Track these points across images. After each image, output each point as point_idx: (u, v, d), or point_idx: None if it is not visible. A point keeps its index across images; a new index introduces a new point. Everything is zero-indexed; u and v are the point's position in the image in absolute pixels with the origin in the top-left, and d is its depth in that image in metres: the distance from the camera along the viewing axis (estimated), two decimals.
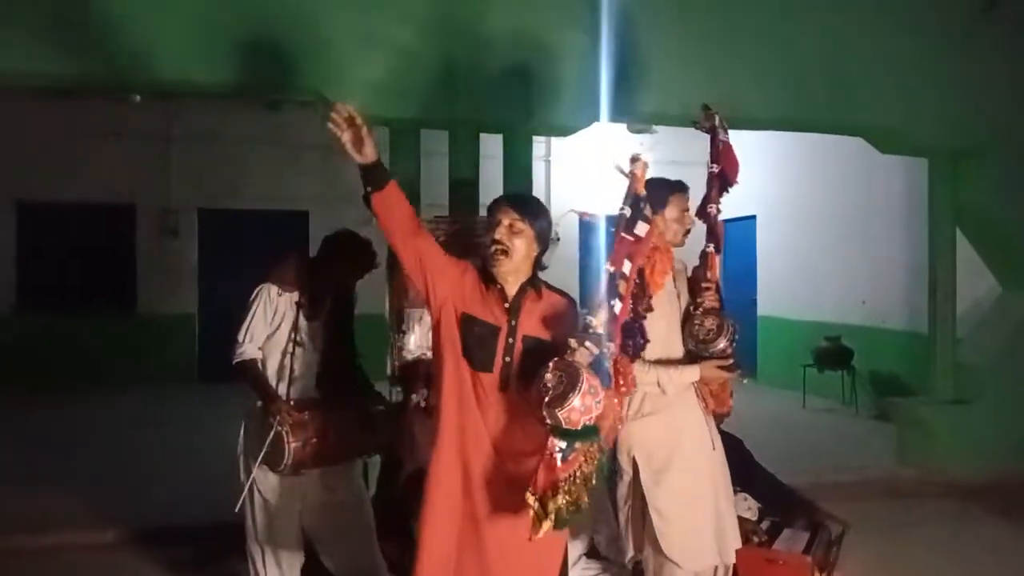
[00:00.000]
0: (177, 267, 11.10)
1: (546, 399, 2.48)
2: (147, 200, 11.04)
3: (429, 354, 4.50)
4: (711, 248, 3.39)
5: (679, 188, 3.47)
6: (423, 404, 4.38)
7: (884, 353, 9.22)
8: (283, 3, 5.07)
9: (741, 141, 12.80)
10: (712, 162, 3.47)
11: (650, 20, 5.70)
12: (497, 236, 2.75)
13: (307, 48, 5.09)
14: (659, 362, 3.26)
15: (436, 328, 2.83)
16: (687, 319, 3.34)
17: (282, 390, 3.69)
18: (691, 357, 3.30)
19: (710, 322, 3.27)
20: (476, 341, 2.74)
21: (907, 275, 8.73)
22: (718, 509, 3.30)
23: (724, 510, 3.32)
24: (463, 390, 2.76)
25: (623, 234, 2.86)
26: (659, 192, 3.31)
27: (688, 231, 3.42)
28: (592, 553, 4.26)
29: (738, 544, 3.39)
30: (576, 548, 4.08)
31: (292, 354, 3.71)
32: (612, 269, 2.80)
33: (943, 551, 5.01)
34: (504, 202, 2.83)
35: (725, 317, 3.28)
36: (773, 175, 10.88)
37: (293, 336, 3.71)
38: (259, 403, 3.68)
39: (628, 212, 2.89)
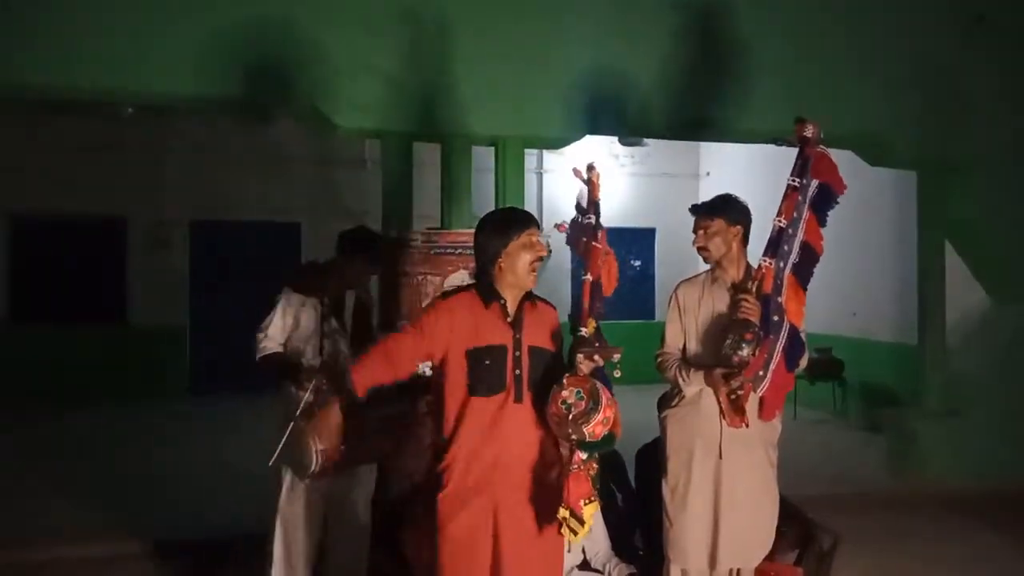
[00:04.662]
0: (168, 279, 11.05)
1: (570, 416, 2.57)
2: (139, 212, 11.00)
3: (420, 367, 4.54)
4: (764, 260, 3.36)
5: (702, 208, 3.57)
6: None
7: (875, 365, 9.26)
8: (275, 18, 5.08)
9: (733, 153, 12.84)
10: (795, 175, 3.37)
11: (640, 34, 5.75)
12: (543, 254, 2.82)
13: (300, 62, 5.11)
14: (691, 363, 3.45)
15: (439, 372, 2.86)
16: (727, 326, 3.37)
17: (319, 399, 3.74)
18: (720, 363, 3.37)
19: (732, 332, 3.29)
20: (485, 371, 2.77)
21: (897, 287, 8.76)
22: (717, 516, 3.39)
23: (730, 518, 3.39)
24: (470, 423, 2.78)
25: (594, 243, 2.95)
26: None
27: (730, 247, 3.48)
28: (584, 566, 4.26)
29: (751, 555, 3.48)
30: (569, 560, 4.08)
31: (321, 356, 3.79)
32: (592, 278, 2.90)
33: (935, 562, 5.01)
34: (534, 220, 2.87)
35: (748, 331, 3.26)
36: (763, 187, 10.91)
37: (321, 340, 3.79)
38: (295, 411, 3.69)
39: (592, 220, 2.97)
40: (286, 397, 3.78)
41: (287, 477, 3.77)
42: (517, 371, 2.78)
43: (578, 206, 3.23)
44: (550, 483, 2.78)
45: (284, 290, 3.85)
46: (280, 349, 3.81)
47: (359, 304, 4.00)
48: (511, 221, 2.85)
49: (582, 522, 2.62)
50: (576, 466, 2.65)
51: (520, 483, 2.77)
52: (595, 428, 2.56)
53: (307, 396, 3.58)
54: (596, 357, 2.70)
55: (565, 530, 2.65)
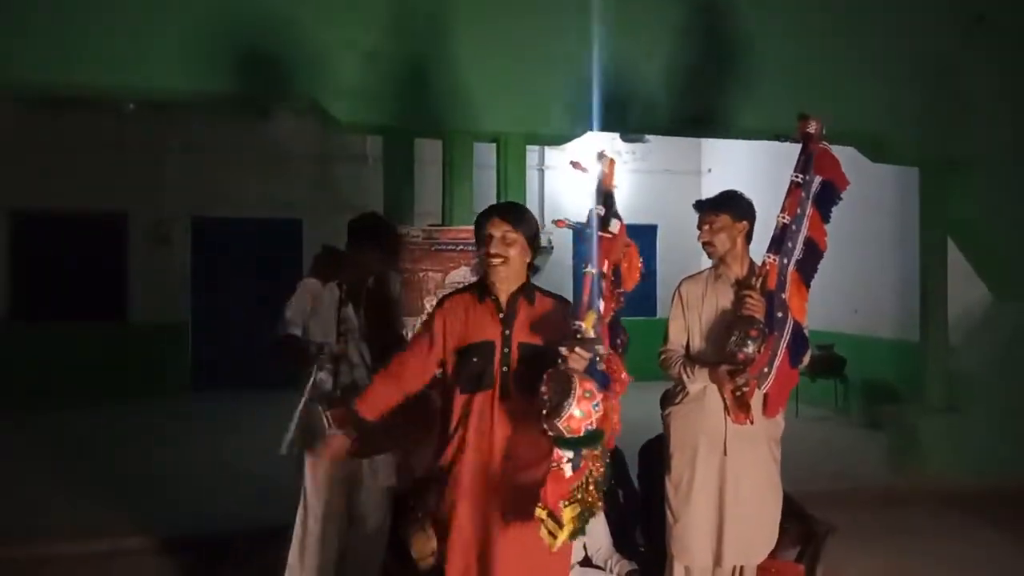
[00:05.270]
0: (169, 276, 11.05)
1: (544, 411, 2.49)
2: (139, 209, 10.99)
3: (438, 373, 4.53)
4: (768, 257, 3.36)
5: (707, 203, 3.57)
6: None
7: (876, 362, 9.24)
8: (277, 13, 5.08)
9: (735, 150, 12.81)
10: (798, 171, 3.38)
11: (643, 31, 5.74)
12: (493, 251, 2.79)
13: (301, 57, 5.11)
14: (695, 359, 3.44)
15: (443, 371, 2.93)
16: (731, 323, 3.36)
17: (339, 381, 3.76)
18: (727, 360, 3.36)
19: (737, 329, 3.29)
20: (473, 367, 2.79)
21: (899, 284, 8.75)
22: (723, 513, 3.39)
23: (735, 515, 3.39)
24: (463, 412, 2.81)
25: (601, 233, 2.89)
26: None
27: (735, 243, 3.48)
28: (585, 562, 4.25)
29: (755, 551, 3.49)
30: (570, 556, 4.07)
31: (340, 344, 3.77)
32: (594, 271, 2.82)
33: (935, 559, 5.01)
34: (494, 214, 2.87)
35: (753, 328, 3.25)
36: (765, 184, 10.91)
37: (340, 327, 3.78)
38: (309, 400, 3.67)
39: (602, 211, 2.91)
40: (301, 380, 3.79)
41: (308, 463, 3.76)
42: (504, 367, 2.78)
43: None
44: (535, 483, 2.68)
45: (305, 279, 3.87)
46: (298, 333, 3.81)
47: (373, 291, 3.96)
48: (481, 214, 2.90)
49: (561, 524, 2.52)
50: (555, 464, 2.54)
51: (508, 480, 2.76)
52: (569, 423, 2.45)
53: (317, 376, 3.58)
54: (577, 350, 2.58)
55: (543, 532, 2.54)
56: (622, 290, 3.06)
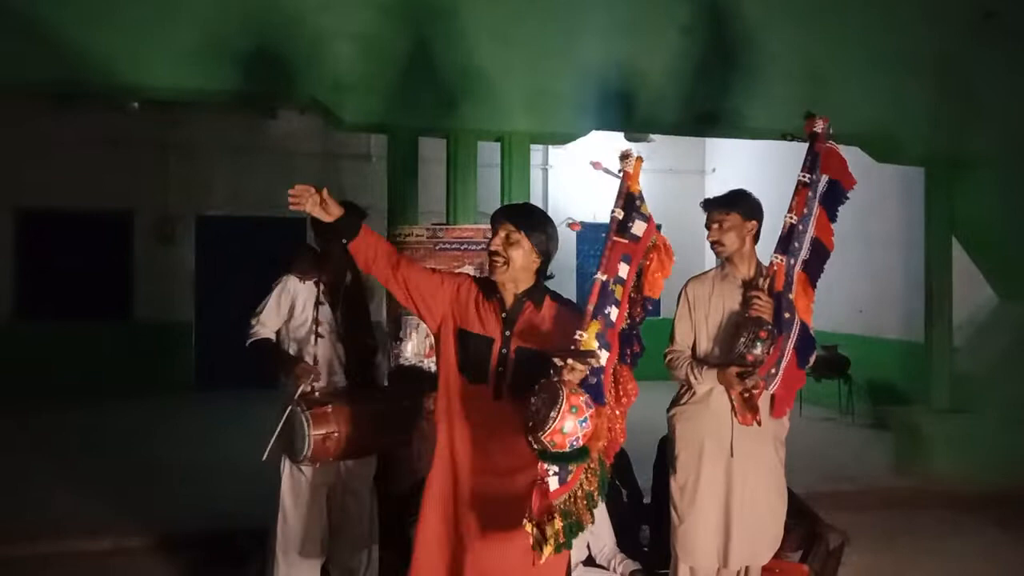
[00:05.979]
0: (174, 274, 11.07)
1: (529, 424, 2.40)
2: (144, 207, 11.01)
3: (426, 362, 4.53)
4: (776, 257, 3.34)
5: (717, 202, 3.55)
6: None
7: (881, 362, 9.23)
8: (281, 12, 5.08)
9: (739, 149, 12.79)
10: (805, 171, 3.37)
11: (648, 29, 5.73)
12: (493, 247, 2.76)
13: (306, 57, 5.11)
14: (702, 360, 3.43)
15: (436, 343, 2.89)
16: (739, 324, 3.35)
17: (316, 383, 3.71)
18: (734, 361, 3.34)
19: (746, 330, 3.28)
20: (471, 355, 2.76)
21: (904, 284, 8.73)
22: (729, 514, 3.39)
23: (742, 516, 3.39)
24: (453, 403, 2.79)
25: (615, 238, 2.77)
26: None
27: (744, 242, 3.47)
28: (589, 562, 4.25)
29: (761, 552, 3.49)
30: (574, 557, 4.06)
31: (316, 344, 3.74)
32: (605, 277, 2.71)
33: (939, 561, 5.00)
34: (502, 214, 2.84)
35: (761, 328, 3.24)
36: (769, 183, 10.89)
37: (315, 327, 3.74)
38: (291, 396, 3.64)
39: (620, 214, 2.80)
40: (282, 385, 3.77)
41: (286, 467, 3.75)
42: (501, 368, 2.74)
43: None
44: (518, 490, 2.63)
45: (285, 276, 3.83)
46: (271, 335, 3.79)
47: (350, 288, 3.92)
48: (495, 212, 2.88)
49: (545, 538, 2.44)
50: (541, 477, 2.46)
51: (484, 483, 2.73)
52: (554, 438, 2.35)
53: (302, 384, 3.55)
54: (570, 361, 2.46)
55: (533, 543, 2.47)
56: (645, 297, 2.88)
